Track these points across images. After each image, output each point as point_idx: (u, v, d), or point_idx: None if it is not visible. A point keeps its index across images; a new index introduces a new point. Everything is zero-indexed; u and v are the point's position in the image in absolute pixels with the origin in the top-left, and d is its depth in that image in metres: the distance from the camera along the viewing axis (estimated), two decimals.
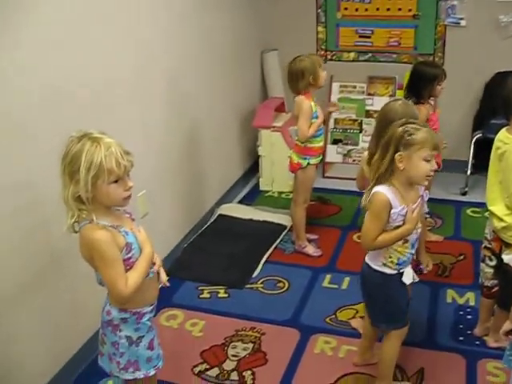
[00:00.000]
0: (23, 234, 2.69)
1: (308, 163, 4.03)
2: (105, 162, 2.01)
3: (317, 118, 3.96)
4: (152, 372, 2.38)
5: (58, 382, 2.98)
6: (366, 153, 3.04)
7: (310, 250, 4.24)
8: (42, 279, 2.84)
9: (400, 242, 2.59)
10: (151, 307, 2.34)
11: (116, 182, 2.07)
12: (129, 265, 2.17)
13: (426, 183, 2.59)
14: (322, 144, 4.10)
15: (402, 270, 2.66)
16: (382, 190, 2.51)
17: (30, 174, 2.69)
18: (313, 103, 3.94)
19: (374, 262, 2.66)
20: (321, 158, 4.14)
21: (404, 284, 2.68)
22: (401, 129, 2.47)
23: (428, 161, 2.49)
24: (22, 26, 2.57)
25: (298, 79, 3.89)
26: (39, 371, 2.89)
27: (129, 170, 2.11)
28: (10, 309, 2.65)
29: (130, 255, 2.17)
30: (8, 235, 2.60)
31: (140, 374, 2.35)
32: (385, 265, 2.64)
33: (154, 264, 2.31)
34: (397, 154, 2.46)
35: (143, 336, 2.31)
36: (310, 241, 4.32)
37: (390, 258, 2.62)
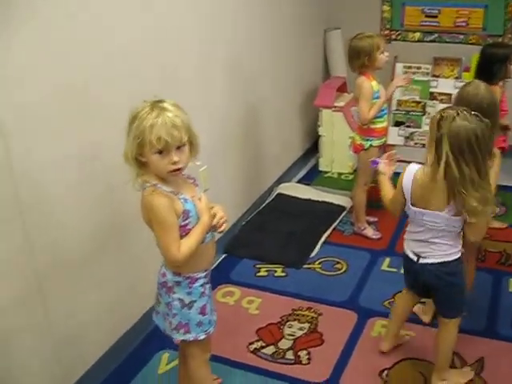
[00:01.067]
0: (89, 204, 2.74)
1: (370, 145, 3.97)
2: (147, 132, 2.06)
3: (378, 98, 3.89)
4: (202, 336, 2.43)
5: (116, 352, 3.04)
6: None
7: (370, 232, 4.19)
8: (106, 249, 2.89)
9: None
10: (205, 273, 2.39)
11: (159, 153, 2.11)
12: (185, 231, 2.22)
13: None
14: (385, 125, 4.03)
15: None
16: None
17: (96, 144, 2.73)
18: (374, 83, 3.88)
19: (452, 253, 2.61)
20: (384, 139, 4.07)
21: None
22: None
23: None
24: None
25: (354, 58, 3.86)
26: (99, 340, 2.95)
27: (172, 145, 2.10)
28: (74, 278, 2.71)
29: (186, 222, 2.21)
30: (74, 204, 2.65)
31: (190, 337, 2.41)
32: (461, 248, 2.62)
33: (213, 228, 2.34)
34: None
35: (195, 301, 2.37)
36: (369, 223, 4.28)
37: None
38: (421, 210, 2.57)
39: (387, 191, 2.81)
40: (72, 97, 2.55)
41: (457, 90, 3.08)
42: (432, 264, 2.62)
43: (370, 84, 3.85)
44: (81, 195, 2.68)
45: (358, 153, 4.10)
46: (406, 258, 2.74)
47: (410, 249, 2.72)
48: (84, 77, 2.61)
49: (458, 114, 2.36)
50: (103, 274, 2.89)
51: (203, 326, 2.42)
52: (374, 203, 4.39)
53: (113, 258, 2.95)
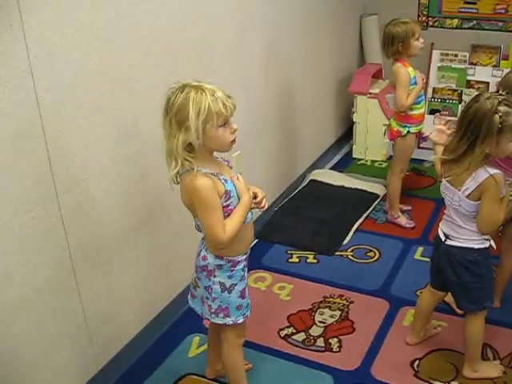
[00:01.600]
0: (123, 186, 2.76)
1: (408, 131, 3.94)
2: (212, 106, 2.08)
3: (415, 84, 3.85)
4: (241, 319, 2.45)
5: (148, 333, 3.09)
6: None
7: (403, 221, 4.16)
8: (139, 231, 2.91)
9: None
10: (245, 255, 2.42)
11: (223, 126, 2.14)
12: (227, 212, 2.23)
13: None
14: (422, 111, 3.98)
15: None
16: (497, 172, 2.42)
17: (132, 126, 2.75)
18: (410, 69, 3.84)
19: (473, 241, 2.57)
20: (421, 126, 4.02)
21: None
22: (497, 117, 2.35)
23: None
24: None
25: (388, 44, 3.83)
26: (131, 321, 2.98)
27: (233, 112, 2.16)
28: (107, 259, 2.74)
29: (228, 202, 2.23)
30: (109, 186, 2.67)
31: (229, 321, 2.43)
32: (487, 239, 2.58)
33: (256, 205, 2.38)
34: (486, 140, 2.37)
35: (236, 284, 2.39)
36: (403, 211, 4.25)
37: None
38: (445, 182, 2.58)
39: None
40: (110, 79, 2.57)
41: (494, 79, 3.03)
42: (456, 247, 2.61)
43: (406, 70, 3.81)
44: (115, 177, 2.70)
45: (394, 139, 4.06)
46: (437, 237, 2.74)
47: (441, 227, 2.72)
48: (123, 57, 2.62)
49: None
50: (136, 255, 2.92)
51: (242, 310, 2.45)
52: (409, 191, 4.39)
53: (146, 240, 2.97)
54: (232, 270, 2.37)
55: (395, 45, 3.78)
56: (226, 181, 2.22)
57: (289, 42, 4.23)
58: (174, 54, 2.95)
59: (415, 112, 3.92)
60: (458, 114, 2.44)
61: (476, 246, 2.57)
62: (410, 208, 4.32)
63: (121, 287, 2.86)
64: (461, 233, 2.58)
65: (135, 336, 3.00)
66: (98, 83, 2.50)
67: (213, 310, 2.41)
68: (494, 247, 2.66)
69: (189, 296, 2.57)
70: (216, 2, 3.27)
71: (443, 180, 2.59)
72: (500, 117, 2.32)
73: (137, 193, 2.85)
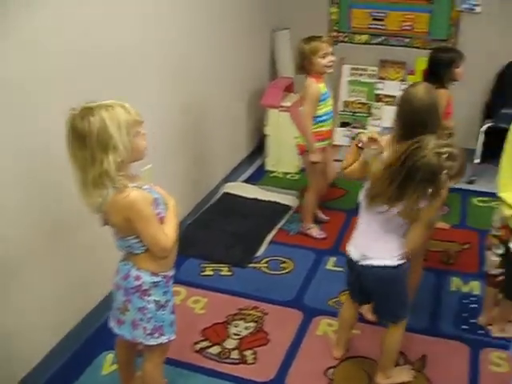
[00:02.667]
0: (33, 201, 2.67)
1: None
2: (128, 118, 2.08)
3: (325, 100, 3.90)
4: (173, 336, 2.45)
5: (60, 351, 2.99)
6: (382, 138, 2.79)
7: (315, 232, 4.21)
8: (49, 247, 2.82)
9: None
10: (173, 270, 2.41)
11: (138, 134, 2.14)
12: (159, 220, 2.22)
13: None
14: (329, 128, 4.03)
15: None
16: None
17: (42, 138, 2.67)
18: (322, 85, 3.89)
19: (393, 258, 2.61)
20: (328, 141, 4.08)
21: None
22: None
23: None
24: None
25: (296, 60, 3.93)
26: (42, 340, 2.88)
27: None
28: (14, 277, 2.64)
29: (158, 210, 2.22)
30: (17, 201, 2.58)
31: (164, 339, 2.41)
32: (402, 256, 2.62)
33: None
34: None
35: (169, 300, 2.39)
36: (320, 221, 4.32)
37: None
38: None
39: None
40: (10, 91, 2.49)
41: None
42: (376, 267, 2.64)
43: (316, 86, 3.86)
44: (24, 187, 2.61)
45: (302, 154, 4.12)
46: (349, 257, 2.77)
47: (354, 248, 2.75)
48: (24, 72, 2.54)
49: None
50: (47, 271, 2.83)
51: (174, 326, 2.44)
52: (320, 202, 4.45)
53: (57, 256, 2.88)
54: (167, 286, 2.36)
55: (301, 61, 3.86)
56: (149, 190, 2.22)
57: (201, 56, 4.22)
58: (76, 70, 2.88)
59: (321, 129, 3.96)
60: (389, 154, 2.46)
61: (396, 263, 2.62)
62: (327, 218, 4.39)
63: (30, 305, 2.75)
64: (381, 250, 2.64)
65: (47, 354, 2.91)
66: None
67: (148, 332, 2.36)
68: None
69: (112, 323, 2.47)
70: (120, 15, 3.21)
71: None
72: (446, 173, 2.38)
73: (48, 206, 2.77)
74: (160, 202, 2.24)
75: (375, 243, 2.63)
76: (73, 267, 3.00)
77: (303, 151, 4.06)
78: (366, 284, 2.72)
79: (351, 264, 2.74)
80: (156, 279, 2.31)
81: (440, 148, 2.36)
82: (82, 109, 2.07)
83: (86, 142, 2.04)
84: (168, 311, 2.39)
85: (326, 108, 3.95)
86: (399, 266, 2.61)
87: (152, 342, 2.39)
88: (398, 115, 2.70)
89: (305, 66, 3.85)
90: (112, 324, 2.47)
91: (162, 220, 2.23)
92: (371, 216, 2.61)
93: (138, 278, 2.30)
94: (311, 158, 3.96)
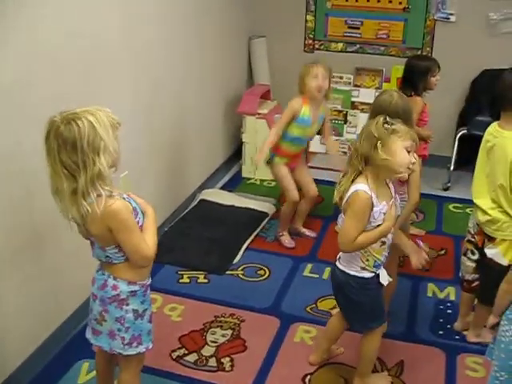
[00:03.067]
0: (7, 206, 2.63)
1: (272, 157, 4.08)
2: (112, 121, 2.10)
3: (300, 123, 3.94)
4: (151, 345, 2.43)
5: (34, 361, 2.94)
6: None
7: (285, 239, 4.22)
8: (24, 255, 2.78)
9: (378, 245, 2.56)
10: (150, 279, 2.40)
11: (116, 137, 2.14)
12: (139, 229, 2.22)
13: (406, 175, 2.56)
14: (291, 150, 4.06)
15: (378, 272, 2.65)
16: (363, 188, 2.45)
17: (16, 144, 2.63)
18: (307, 108, 3.91)
19: (350, 267, 2.62)
20: (286, 160, 4.10)
21: (381, 284, 2.68)
22: (382, 119, 2.45)
23: (409, 152, 2.47)
24: None
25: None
26: (16, 349, 2.84)
27: None
28: None
29: (137, 219, 2.21)
30: None
31: (142, 348, 2.39)
32: (363, 269, 2.61)
33: None
34: (379, 142, 2.41)
35: (147, 308, 2.37)
36: (303, 235, 4.33)
37: (368, 261, 2.59)
38: None
39: None
40: None
41: None
42: (339, 270, 2.67)
43: (297, 105, 3.90)
44: None
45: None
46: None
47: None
48: (4, 77, 2.52)
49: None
50: (21, 279, 2.79)
51: (151, 335, 2.42)
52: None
53: (32, 263, 2.85)
54: (144, 295, 2.34)
55: (299, 81, 3.94)
56: (128, 198, 2.20)
57: (178, 63, 4.22)
58: (58, 75, 2.86)
59: (284, 147, 4.03)
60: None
61: (352, 273, 2.63)
62: (314, 235, 4.34)
63: (6, 314, 2.71)
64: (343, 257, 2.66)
65: (22, 364, 2.86)
66: None
67: (126, 342, 2.33)
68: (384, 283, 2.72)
69: (89, 334, 2.43)
70: (100, 22, 3.21)
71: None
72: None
73: (21, 214, 2.73)
74: (138, 211, 2.23)
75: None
76: (49, 274, 2.97)
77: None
78: (332, 287, 2.75)
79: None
80: (133, 288, 2.28)
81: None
82: (64, 115, 2.04)
83: (77, 146, 2.02)
84: (146, 320, 2.37)
85: (297, 131, 3.97)
86: (355, 276, 2.62)
87: (130, 351, 2.36)
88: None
89: (299, 86, 3.93)
90: (89, 335, 2.43)
91: (140, 229, 2.22)
92: None
93: (115, 287, 2.27)
94: (256, 159, 4.09)
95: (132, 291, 2.28)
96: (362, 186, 2.45)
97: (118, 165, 2.19)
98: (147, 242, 2.20)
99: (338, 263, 2.68)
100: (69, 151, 2.03)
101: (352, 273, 2.62)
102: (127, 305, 2.29)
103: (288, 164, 4.11)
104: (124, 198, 2.17)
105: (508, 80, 2.82)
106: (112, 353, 2.39)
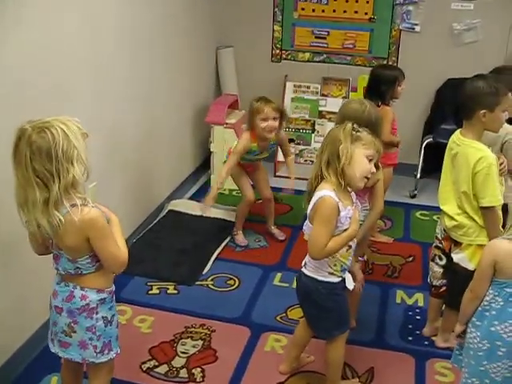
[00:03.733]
0: None
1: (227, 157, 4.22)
2: (80, 129, 2.11)
3: (251, 153, 4.08)
4: (119, 350, 2.44)
5: (1, 376, 2.88)
6: None
7: (239, 238, 4.36)
8: None
9: (344, 249, 2.58)
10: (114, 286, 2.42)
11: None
12: None
13: (362, 184, 2.55)
14: (248, 163, 4.24)
15: (344, 276, 2.67)
16: (329, 194, 2.46)
17: None
18: (255, 145, 4.03)
19: (318, 273, 2.63)
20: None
21: (346, 289, 2.70)
22: (350, 125, 2.48)
23: (370, 160, 2.49)
24: None
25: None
26: None
27: None
28: None
29: None
30: None
31: (113, 354, 2.40)
32: (331, 274, 2.62)
33: None
34: (342, 146, 2.43)
35: (114, 314, 2.39)
36: (275, 238, 4.41)
37: (335, 265, 2.61)
38: None
39: None
40: None
41: None
42: (306, 275, 2.67)
43: (246, 142, 4.00)
44: None
45: None
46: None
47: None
48: None
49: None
50: None
51: (118, 340, 2.43)
52: (265, 218, 4.46)
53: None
54: (112, 301, 2.36)
55: (248, 116, 4.04)
56: (97, 208, 2.19)
57: (145, 74, 4.21)
58: (26, 87, 2.84)
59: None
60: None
61: (322, 279, 2.63)
62: (283, 238, 4.43)
63: None
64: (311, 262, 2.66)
65: None
66: None
67: (98, 350, 2.33)
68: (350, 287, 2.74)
69: (56, 348, 2.38)
70: (70, 35, 3.20)
71: None
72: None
73: None
74: (104, 217, 2.23)
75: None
76: (13, 289, 2.93)
77: None
78: (297, 294, 2.75)
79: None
80: (102, 296, 2.29)
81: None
82: (35, 124, 2.04)
83: (52, 154, 2.01)
84: (114, 326, 2.39)
85: (245, 157, 4.11)
86: (323, 281, 2.63)
87: (103, 359, 2.36)
88: None
89: (248, 122, 4.00)
90: (55, 349, 2.40)
91: None
92: None
93: (83, 297, 2.26)
94: (206, 200, 4.22)
95: (101, 299, 2.29)
96: (327, 192, 2.47)
97: (89, 174, 2.18)
98: (120, 247, 2.23)
99: (304, 269, 2.69)
100: (43, 159, 2.02)
101: (320, 278, 2.62)
102: (97, 313, 2.29)
103: (241, 167, 4.21)
104: (93, 207, 2.17)
105: (468, 89, 2.87)
106: (83, 363, 2.38)
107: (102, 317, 2.30)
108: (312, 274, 2.64)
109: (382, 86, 3.92)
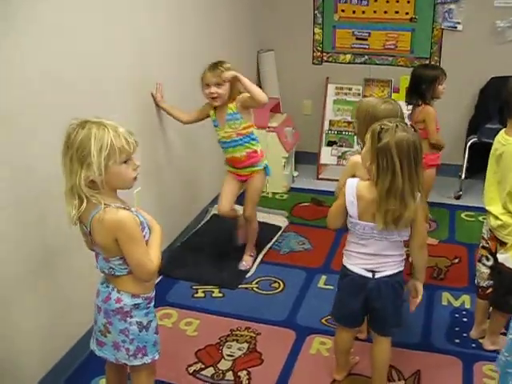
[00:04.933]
0: (19, 229, 2.64)
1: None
2: (115, 142, 2.07)
3: (214, 125, 3.88)
4: (157, 356, 2.43)
5: (51, 381, 2.94)
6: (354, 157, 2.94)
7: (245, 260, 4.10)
8: (36, 276, 2.79)
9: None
10: (154, 291, 2.41)
11: (125, 162, 2.13)
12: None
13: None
14: (226, 156, 3.97)
15: None
16: None
17: (27, 168, 2.65)
18: (213, 112, 3.87)
19: (399, 267, 2.63)
20: (230, 168, 4.03)
21: None
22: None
23: None
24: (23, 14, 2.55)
25: None
26: (32, 369, 2.83)
27: (136, 149, 2.16)
28: (3, 306, 2.61)
29: (144, 233, 2.23)
30: (4, 230, 2.55)
31: (148, 359, 2.39)
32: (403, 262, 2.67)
33: None
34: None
35: (152, 320, 2.37)
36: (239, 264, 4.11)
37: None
38: (368, 223, 2.55)
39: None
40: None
41: None
42: (390, 276, 2.62)
43: (208, 107, 3.86)
44: (10, 220, 2.59)
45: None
46: (356, 277, 2.66)
47: (360, 266, 2.65)
48: (9, 100, 2.54)
49: (397, 126, 2.42)
50: (34, 301, 2.79)
51: (157, 345, 2.43)
52: (309, 221, 4.45)
53: (45, 285, 2.85)
54: (148, 307, 2.35)
55: None
56: (136, 212, 2.22)
57: (188, 78, 4.23)
58: (70, 91, 2.89)
59: (225, 155, 3.98)
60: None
61: (402, 268, 2.66)
62: (245, 269, 4.07)
63: (20, 336, 2.72)
64: (391, 260, 2.62)
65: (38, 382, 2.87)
66: None
67: (131, 353, 2.34)
68: None
69: (93, 345, 2.44)
70: (113, 36, 3.25)
71: (364, 222, 2.57)
72: None
73: (34, 235, 2.73)
74: (145, 226, 2.25)
75: (384, 258, 2.62)
76: (61, 293, 2.98)
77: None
78: (381, 299, 2.65)
79: (360, 283, 2.66)
80: (137, 301, 2.30)
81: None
82: (82, 120, 2.10)
83: (70, 150, 2.08)
84: (151, 331, 2.37)
85: (218, 136, 3.88)
86: (400, 272, 2.65)
87: (136, 362, 2.37)
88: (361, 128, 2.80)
89: None
90: (93, 346, 2.45)
91: (146, 243, 2.24)
92: (377, 239, 2.59)
93: (118, 300, 2.28)
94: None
95: (135, 304, 2.30)
96: None
97: (122, 187, 2.21)
98: (151, 256, 2.21)
99: (385, 272, 2.62)
100: (64, 152, 2.10)
101: (398, 270, 2.64)
102: (131, 317, 2.30)
103: (234, 174, 4.01)
104: (132, 211, 2.20)
105: (508, 86, 2.83)
106: (118, 363, 2.41)
107: (136, 321, 2.31)
108: (396, 270, 2.63)
109: (422, 86, 3.90)
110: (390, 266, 2.62)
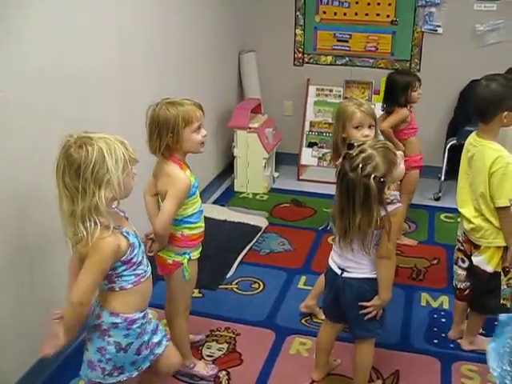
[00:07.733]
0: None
1: (189, 258, 2.90)
2: (126, 154, 2.04)
3: (194, 194, 2.79)
4: (135, 374, 2.29)
5: (29, 380, 2.92)
6: None
7: (201, 368, 3.06)
8: (15, 276, 2.77)
9: None
10: (143, 313, 2.29)
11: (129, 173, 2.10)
12: (131, 265, 2.17)
13: None
14: (202, 229, 2.98)
15: None
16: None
17: (8, 166, 2.63)
18: (189, 172, 2.75)
19: (371, 272, 2.60)
20: (201, 249, 3.03)
21: None
22: None
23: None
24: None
25: (152, 134, 2.73)
26: (8, 369, 2.81)
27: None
28: None
29: (132, 255, 2.16)
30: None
31: (123, 377, 2.27)
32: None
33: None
34: None
35: (132, 342, 2.23)
36: (196, 344, 3.29)
37: None
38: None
39: None
40: None
41: None
42: (357, 279, 2.62)
43: (183, 176, 2.69)
44: None
45: (169, 274, 2.98)
46: (330, 271, 2.73)
47: (333, 261, 2.71)
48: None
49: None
50: (12, 299, 2.77)
51: (137, 364, 2.29)
52: (289, 222, 4.46)
53: (23, 284, 2.83)
54: (128, 329, 2.20)
55: (163, 136, 2.76)
56: (128, 233, 2.15)
57: (169, 77, 4.24)
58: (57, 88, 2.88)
59: (195, 232, 2.92)
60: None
61: (375, 276, 2.61)
62: (202, 337, 3.36)
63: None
64: (361, 264, 2.61)
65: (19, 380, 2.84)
66: None
67: (107, 372, 2.22)
68: None
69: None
70: (95, 42, 3.24)
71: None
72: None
73: (12, 234, 2.71)
74: (136, 246, 2.18)
75: (348, 262, 2.63)
76: (39, 294, 2.95)
77: (170, 271, 2.96)
78: (345, 299, 2.67)
79: (331, 278, 2.72)
80: (115, 320, 2.19)
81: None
82: (79, 137, 2.02)
83: (81, 172, 1.98)
84: (131, 353, 2.23)
85: (196, 204, 2.87)
86: (374, 278, 2.61)
87: (111, 380, 2.25)
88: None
89: (168, 142, 2.72)
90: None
91: (134, 264, 2.17)
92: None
93: (98, 316, 2.20)
94: None
95: (113, 323, 2.19)
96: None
97: (121, 198, 2.14)
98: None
99: (351, 274, 2.63)
100: (71, 174, 2.00)
101: (372, 276, 2.60)
102: (109, 336, 2.19)
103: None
104: (121, 233, 2.12)
105: (487, 94, 2.86)
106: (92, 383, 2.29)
107: (114, 341, 2.19)
108: (364, 275, 2.61)
109: (395, 92, 3.98)
110: (356, 270, 2.62)
